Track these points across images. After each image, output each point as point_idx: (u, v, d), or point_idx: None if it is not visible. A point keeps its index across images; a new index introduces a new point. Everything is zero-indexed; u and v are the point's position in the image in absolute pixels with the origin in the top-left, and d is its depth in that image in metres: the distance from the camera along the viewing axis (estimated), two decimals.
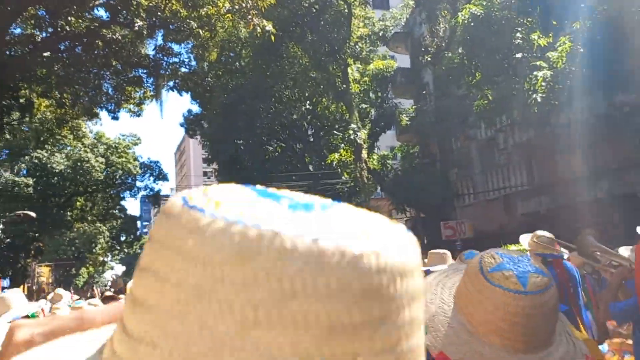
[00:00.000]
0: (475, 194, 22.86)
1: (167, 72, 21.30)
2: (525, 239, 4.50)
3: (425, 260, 4.78)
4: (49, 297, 8.45)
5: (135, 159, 36.41)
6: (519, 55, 13.55)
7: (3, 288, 30.48)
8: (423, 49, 22.59)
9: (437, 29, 21.38)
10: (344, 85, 22.75)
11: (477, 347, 1.15)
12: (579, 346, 1.20)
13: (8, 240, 31.73)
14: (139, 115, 22.93)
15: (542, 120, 13.98)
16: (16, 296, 3.15)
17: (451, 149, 23.51)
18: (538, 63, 12.46)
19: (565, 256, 4.61)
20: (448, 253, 4.65)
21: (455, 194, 23.21)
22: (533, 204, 19.26)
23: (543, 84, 11.94)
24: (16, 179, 30.71)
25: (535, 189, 19.11)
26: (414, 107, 25.13)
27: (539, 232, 4.44)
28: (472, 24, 14.25)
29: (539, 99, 12.08)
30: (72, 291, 23.08)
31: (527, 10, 13.52)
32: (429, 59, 21.57)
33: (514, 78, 13.99)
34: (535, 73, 12.28)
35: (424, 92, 24.26)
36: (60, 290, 9.68)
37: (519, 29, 13.55)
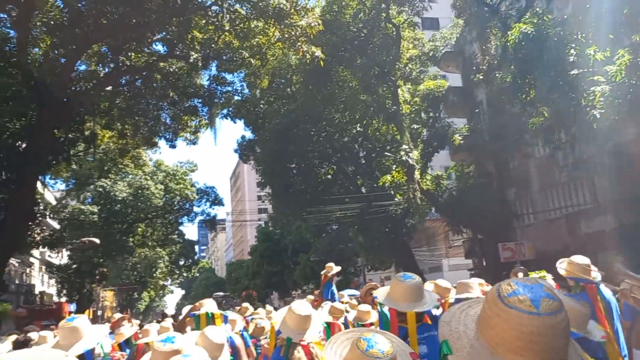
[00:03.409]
0: (535, 213, 22.09)
1: (221, 101, 21.98)
2: (561, 265, 4.48)
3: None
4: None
5: (192, 185, 37.42)
6: (574, 72, 13.13)
7: (70, 312, 31.76)
8: (474, 68, 22.27)
9: (487, 47, 21.06)
10: (395, 107, 22.68)
11: None
12: None
13: (75, 265, 33.16)
14: (194, 143, 23.68)
15: (602, 136, 13.44)
16: (86, 325, 3.28)
17: (508, 168, 22.88)
18: (595, 78, 12.05)
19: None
20: (471, 282, 4.80)
21: (514, 214, 22.51)
22: (597, 223, 18.42)
23: (601, 99, 11.51)
24: (82, 207, 32.17)
25: (600, 208, 18.28)
26: (467, 125, 24.73)
27: (573, 258, 4.43)
28: (523, 43, 13.97)
29: (597, 115, 11.65)
30: (131, 314, 23.75)
31: (581, 25, 13.14)
32: (481, 77, 21.24)
33: (570, 94, 13.55)
34: (592, 88, 11.87)
35: (477, 110, 23.86)
36: (118, 315, 10.07)
37: (573, 45, 13.17)
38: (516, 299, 1.29)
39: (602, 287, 4.18)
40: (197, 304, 5.35)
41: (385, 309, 3.56)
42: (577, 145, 18.87)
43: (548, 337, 1.25)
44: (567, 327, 1.30)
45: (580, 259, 4.40)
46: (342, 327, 5.75)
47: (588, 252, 4.83)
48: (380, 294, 3.61)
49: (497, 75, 16.89)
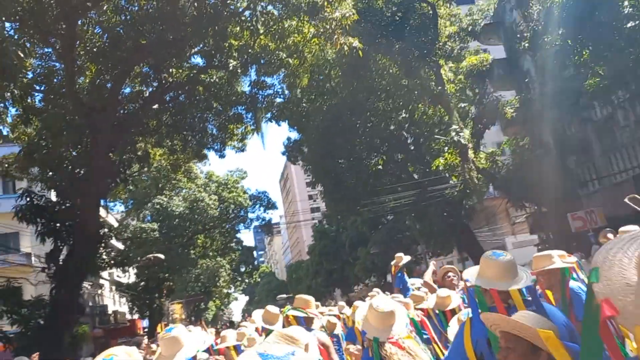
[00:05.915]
0: (600, 179, 21.14)
1: (264, 105, 21.98)
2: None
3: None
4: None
5: (245, 192, 37.80)
6: (630, 24, 12.41)
7: (144, 329, 32.56)
8: (518, 36, 21.44)
9: (529, 12, 20.22)
10: (439, 88, 22.14)
11: None
12: None
13: (142, 283, 34.09)
14: (243, 150, 23.73)
15: None
16: (186, 334, 3.27)
17: (565, 135, 21.96)
18: None
19: None
20: (551, 253, 4.35)
21: (578, 182, 21.59)
22: None
23: None
24: (142, 225, 33.06)
25: None
26: (517, 97, 23.90)
27: (624, 228, 4.22)
28: (570, 2, 13.31)
29: None
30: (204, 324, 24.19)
31: None
32: (526, 45, 20.41)
33: (628, 49, 12.81)
34: None
35: (526, 80, 22.97)
36: (190, 327, 10.19)
37: None
38: None
39: None
40: (298, 296, 5.37)
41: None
42: (637, 102, 17.93)
43: None
44: None
45: (632, 227, 4.11)
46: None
47: None
48: (471, 276, 3.39)
49: (544, 40, 16.15)
